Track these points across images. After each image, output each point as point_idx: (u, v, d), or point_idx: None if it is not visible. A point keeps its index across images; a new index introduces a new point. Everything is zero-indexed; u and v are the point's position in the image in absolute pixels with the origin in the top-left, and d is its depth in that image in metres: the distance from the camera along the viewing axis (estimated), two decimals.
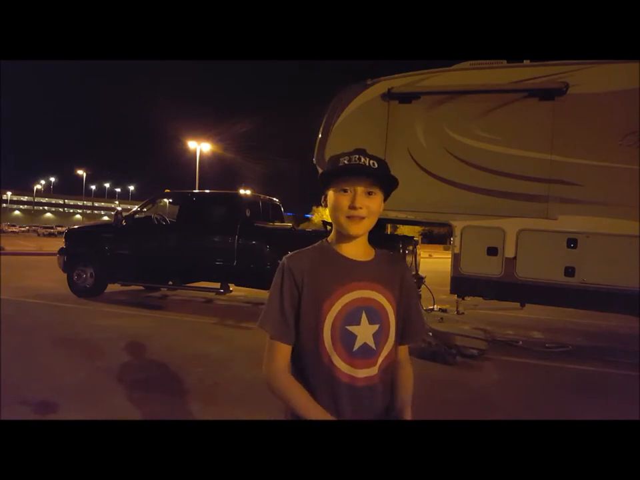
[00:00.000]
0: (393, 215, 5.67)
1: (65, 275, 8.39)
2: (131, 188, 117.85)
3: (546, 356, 5.50)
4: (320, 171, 6.18)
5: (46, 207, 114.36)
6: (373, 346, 1.19)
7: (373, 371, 1.19)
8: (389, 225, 9.98)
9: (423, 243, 11.76)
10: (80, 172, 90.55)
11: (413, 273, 6.99)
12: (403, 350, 1.31)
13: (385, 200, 1.24)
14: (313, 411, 1.15)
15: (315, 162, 6.27)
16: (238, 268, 7.33)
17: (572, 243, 5.20)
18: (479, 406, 3.83)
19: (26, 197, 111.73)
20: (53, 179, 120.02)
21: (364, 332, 1.18)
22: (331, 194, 1.20)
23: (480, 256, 5.53)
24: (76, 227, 9.98)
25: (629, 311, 5.16)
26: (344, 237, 1.21)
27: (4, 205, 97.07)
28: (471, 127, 5.60)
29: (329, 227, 7.86)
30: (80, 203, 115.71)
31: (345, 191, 1.17)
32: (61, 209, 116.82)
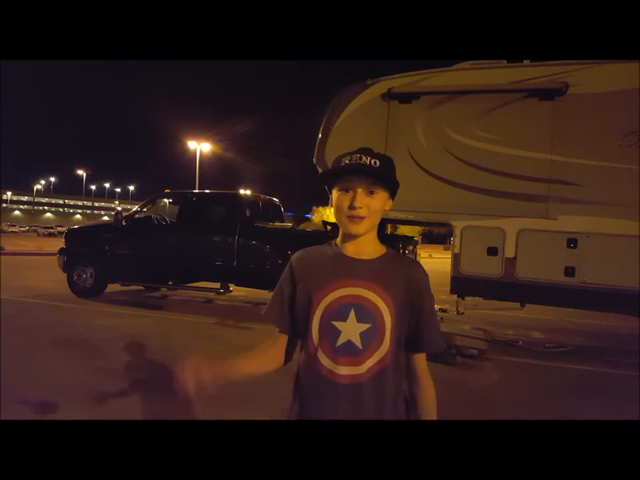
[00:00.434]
0: (392, 214, 5.67)
1: (65, 275, 8.38)
2: (131, 188, 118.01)
3: (546, 356, 5.50)
4: (320, 170, 6.18)
5: (46, 207, 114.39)
6: (359, 345, 1.16)
7: (358, 370, 1.16)
8: (388, 225, 9.98)
9: (423, 243, 11.77)
10: (80, 172, 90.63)
11: None
12: (419, 359, 1.24)
13: (392, 198, 1.24)
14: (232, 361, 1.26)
15: (314, 162, 6.27)
16: (238, 268, 7.33)
17: (572, 242, 5.20)
18: (479, 406, 3.83)
19: (26, 197, 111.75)
20: (53, 179, 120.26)
21: (349, 329, 1.17)
22: (334, 194, 1.22)
23: (480, 256, 5.53)
24: (76, 227, 9.99)
25: (629, 311, 5.16)
26: (347, 235, 1.22)
27: (4, 204, 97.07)
28: (471, 127, 5.60)
29: (328, 227, 7.86)
30: (80, 203, 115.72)
31: (347, 190, 1.18)
32: (61, 209, 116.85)
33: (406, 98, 5.86)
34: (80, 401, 3.53)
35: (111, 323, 6.30)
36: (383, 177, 1.19)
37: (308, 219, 54.10)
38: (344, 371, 1.17)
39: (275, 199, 9.16)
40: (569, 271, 5.19)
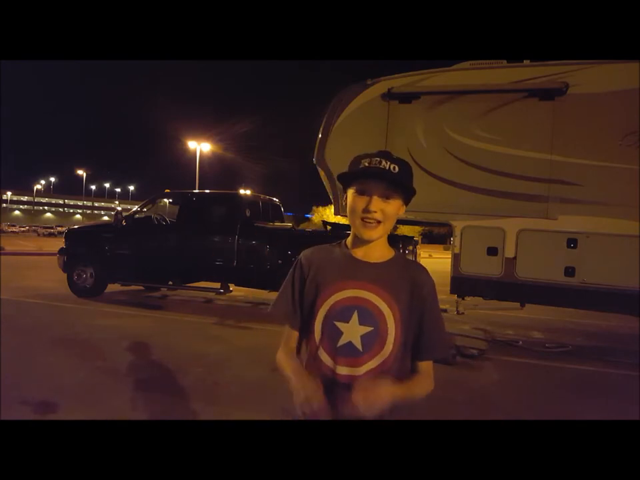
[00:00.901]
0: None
1: (65, 275, 8.38)
2: (131, 188, 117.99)
3: (546, 356, 5.50)
4: (320, 170, 6.17)
5: (46, 207, 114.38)
6: (359, 347, 1.17)
7: (357, 371, 1.17)
8: None
9: (423, 243, 11.76)
10: (80, 172, 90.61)
11: None
12: (424, 366, 1.24)
13: (406, 204, 1.23)
14: (296, 373, 1.18)
15: (314, 162, 6.27)
16: (238, 268, 7.33)
17: (572, 242, 5.20)
18: (479, 406, 3.83)
19: (26, 197, 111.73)
20: (53, 179, 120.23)
21: (351, 330, 1.18)
22: (349, 194, 1.21)
23: (480, 256, 5.53)
24: (76, 226, 9.98)
25: (629, 311, 5.16)
26: (359, 239, 1.22)
27: (4, 204, 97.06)
28: (471, 127, 5.60)
29: (328, 227, 7.86)
30: (80, 203, 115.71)
31: (362, 193, 1.17)
32: (61, 209, 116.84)
33: (406, 98, 5.86)
34: (80, 401, 3.53)
35: (111, 323, 6.30)
36: (401, 184, 1.18)
37: (308, 219, 54.11)
38: (343, 371, 1.18)
39: (274, 199, 9.16)
40: (569, 271, 5.19)
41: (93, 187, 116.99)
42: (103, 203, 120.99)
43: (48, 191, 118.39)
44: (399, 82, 5.92)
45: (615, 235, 5.05)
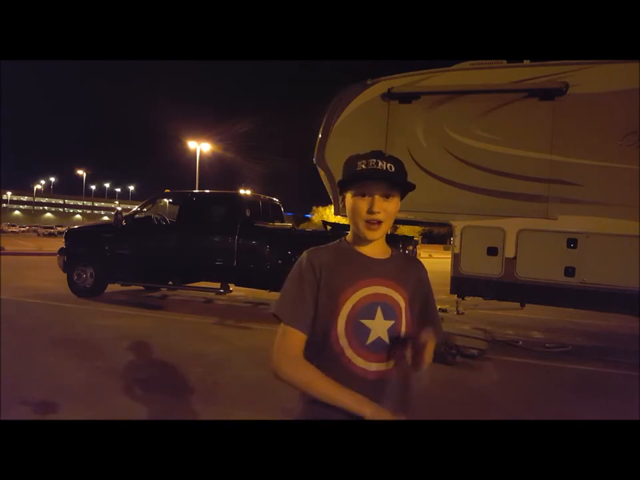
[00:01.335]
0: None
1: (65, 275, 8.38)
2: (131, 188, 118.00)
3: (546, 356, 5.50)
4: (320, 170, 6.17)
5: (46, 207, 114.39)
6: (387, 341, 1.21)
7: (387, 365, 1.22)
8: None
9: (423, 242, 11.78)
10: (80, 172, 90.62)
11: None
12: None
13: (401, 198, 1.26)
14: (343, 393, 1.13)
15: (315, 162, 6.27)
16: (238, 268, 7.33)
17: (572, 242, 5.20)
18: (479, 406, 3.83)
19: (26, 197, 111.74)
20: (53, 179, 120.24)
21: (378, 326, 1.21)
22: (349, 197, 1.23)
23: (480, 256, 5.53)
24: (76, 226, 9.98)
25: (629, 311, 5.16)
26: (362, 239, 1.24)
27: (4, 204, 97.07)
28: (471, 127, 5.60)
29: (328, 227, 7.86)
30: (80, 203, 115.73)
31: (363, 195, 1.19)
32: (61, 209, 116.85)
33: (406, 98, 5.86)
34: (80, 401, 3.53)
35: (111, 323, 6.30)
36: (400, 183, 1.21)
37: (308, 219, 54.11)
38: (374, 367, 1.20)
39: (274, 199, 9.16)
40: (569, 271, 5.19)
41: (93, 187, 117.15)
42: (103, 203, 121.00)
43: (48, 191, 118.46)
44: (399, 82, 5.92)
45: (615, 235, 5.05)
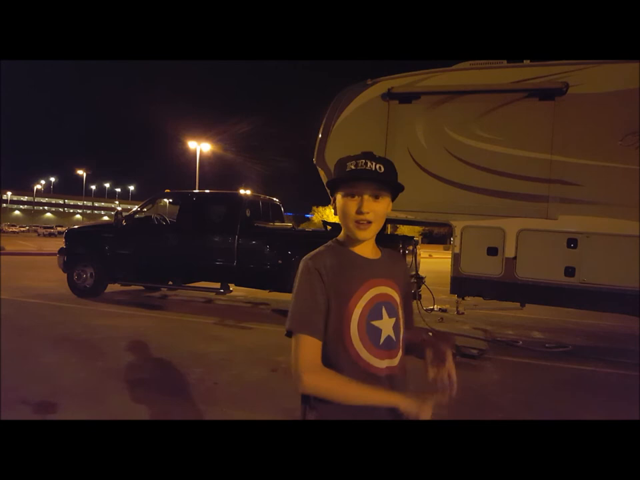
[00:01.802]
0: (392, 214, 5.67)
1: (65, 274, 8.39)
2: (131, 188, 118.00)
3: (546, 356, 5.50)
4: (320, 171, 6.18)
5: (46, 207, 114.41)
6: (394, 337, 1.25)
7: (394, 361, 1.25)
8: (389, 225, 9.98)
9: (423, 242, 11.78)
10: (80, 172, 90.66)
11: (413, 272, 7.00)
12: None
13: (392, 200, 1.27)
14: (373, 392, 1.15)
15: (315, 162, 6.27)
16: (238, 268, 7.33)
17: (572, 242, 5.20)
18: (479, 406, 3.83)
19: (26, 197, 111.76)
20: (52, 179, 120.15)
21: (387, 325, 1.24)
22: (339, 198, 1.23)
23: (480, 256, 5.53)
24: (76, 227, 9.98)
25: (629, 311, 5.16)
26: (353, 239, 1.25)
27: (4, 204, 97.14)
28: (471, 127, 5.61)
29: (329, 227, 7.86)
30: (80, 203, 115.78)
31: (353, 196, 1.20)
32: (61, 209, 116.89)
33: (406, 98, 5.87)
34: (80, 401, 3.53)
35: (111, 323, 6.30)
36: (389, 183, 1.22)
37: (308, 219, 54.13)
38: (386, 364, 1.23)
39: (274, 199, 9.16)
40: (569, 271, 5.19)
41: (93, 187, 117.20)
42: (103, 203, 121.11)
43: (48, 191, 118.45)
44: (399, 82, 5.92)
45: (614, 235, 5.05)
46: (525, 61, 5.47)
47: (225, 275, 7.51)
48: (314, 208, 52.79)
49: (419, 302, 6.63)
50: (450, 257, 5.82)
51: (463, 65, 5.76)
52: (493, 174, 5.51)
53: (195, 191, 9.13)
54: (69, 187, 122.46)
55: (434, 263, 19.04)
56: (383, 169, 1.20)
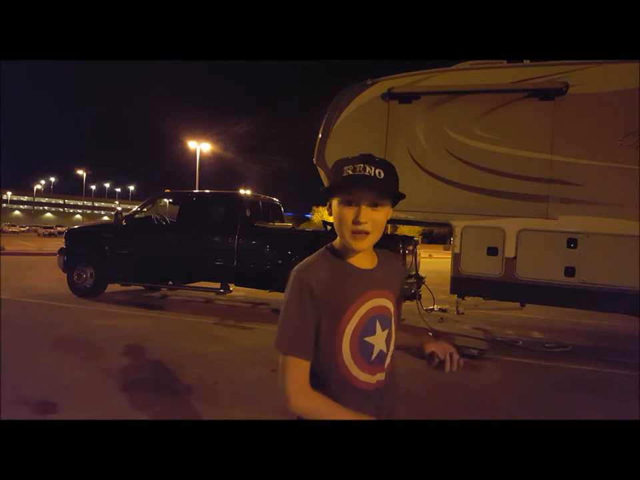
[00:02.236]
0: (393, 215, 5.63)
1: (65, 274, 8.39)
2: (131, 188, 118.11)
3: (546, 356, 5.50)
4: (320, 171, 6.18)
5: (46, 207, 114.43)
6: (385, 350, 1.21)
7: (386, 373, 1.22)
8: (389, 225, 9.98)
9: (423, 242, 11.78)
10: (80, 172, 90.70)
11: (413, 273, 7.00)
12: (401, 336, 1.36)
13: (393, 206, 1.18)
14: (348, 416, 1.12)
15: (315, 162, 6.27)
16: (238, 268, 7.33)
17: (572, 242, 5.20)
18: (479, 406, 3.83)
19: (26, 197, 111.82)
20: (52, 179, 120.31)
21: (379, 340, 1.19)
22: (335, 204, 1.14)
23: (480, 256, 5.54)
24: (76, 227, 9.98)
25: (629, 311, 5.16)
26: (349, 249, 1.16)
27: (4, 204, 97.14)
28: (471, 127, 5.61)
29: (329, 227, 7.86)
30: (80, 203, 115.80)
31: (349, 203, 1.11)
32: (61, 209, 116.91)
33: (406, 98, 5.87)
34: (80, 401, 3.53)
35: (111, 323, 6.30)
36: (389, 191, 1.13)
37: (308, 219, 54.14)
38: (376, 378, 1.20)
39: (274, 199, 9.16)
40: (569, 271, 5.20)
41: (93, 187, 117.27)
42: (103, 203, 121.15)
43: (48, 191, 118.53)
44: (399, 82, 5.92)
45: (614, 235, 5.05)
46: (525, 61, 5.47)
47: (224, 274, 7.51)
48: (314, 208, 52.79)
49: (419, 302, 6.63)
50: (450, 256, 5.82)
51: (462, 64, 5.76)
52: (493, 174, 5.51)
53: (195, 191, 9.13)
54: (69, 187, 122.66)
55: (434, 263, 19.04)
56: (382, 175, 1.10)
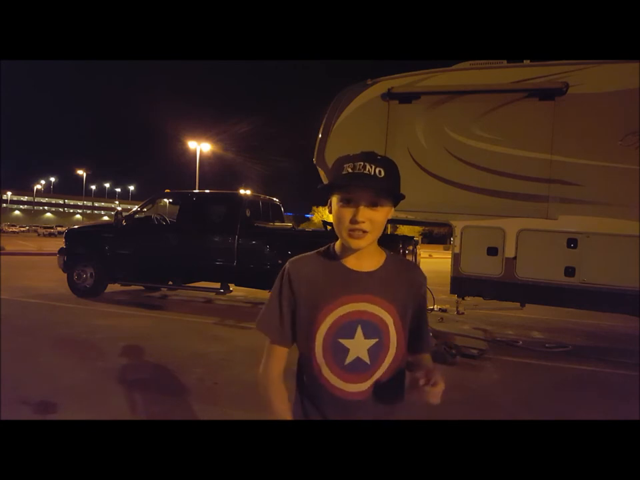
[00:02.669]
0: (393, 214, 5.66)
1: (65, 274, 8.39)
2: (131, 188, 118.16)
3: (546, 356, 5.50)
4: (320, 171, 6.18)
5: (46, 207, 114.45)
6: (367, 361, 1.14)
7: (365, 385, 1.16)
8: (389, 225, 9.98)
9: (423, 243, 11.77)
10: (80, 172, 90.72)
11: None
12: (428, 358, 1.27)
13: (394, 206, 1.15)
14: (276, 408, 1.18)
15: (315, 162, 6.27)
16: (238, 268, 7.34)
17: (572, 242, 5.20)
18: (479, 406, 3.83)
19: (26, 197, 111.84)
20: (53, 179, 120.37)
21: (358, 346, 1.14)
22: (334, 202, 1.13)
23: (480, 256, 5.54)
24: (76, 227, 9.98)
25: (629, 311, 5.16)
26: (348, 248, 1.15)
27: (4, 205, 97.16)
28: (471, 127, 5.61)
29: (329, 227, 7.86)
30: (80, 203, 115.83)
31: (348, 202, 1.09)
32: (61, 209, 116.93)
33: (406, 98, 5.87)
34: (80, 401, 3.53)
35: (111, 323, 6.30)
36: (388, 191, 1.10)
37: (308, 219, 54.13)
38: (352, 388, 1.15)
39: (274, 199, 9.16)
40: (569, 271, 5.20)
41: (93, 187, 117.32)
42: (103, 203, 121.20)
43: (48, 191, 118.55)
44: (399, 82, 5.92)
45: (614, 235, 5.05)
46: (525, 61, 5.47)
47: (224, 275, 7.51)
48: (314, 208, 52.78)
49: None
50: (450, 256, 5.82)
51: (462, 64, 5.76)
52: (493, 174, 5.51)
53: (195, 191, 9.13)
54: (69, 187, 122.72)
55: (434, 262, 19.04)
56: (383, 174, 1.07)
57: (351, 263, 1.17)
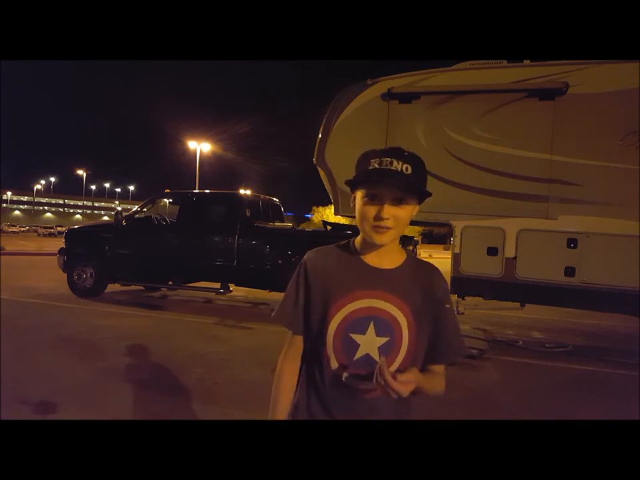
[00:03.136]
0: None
1: (65, 274, 8.39)
2: (131, 188, 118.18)
3: (546, 356, 5.50)
4: (320, 171, 6.17)
5: (46, 207, 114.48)
6: (377, 359, 1.12)
7: (372, 383, 1.12)
8: None
9: (423, 242, 11.76)
10: (80, 172, 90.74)
11: None
12: (438, 368, 1.23)
13: (420, 203, 1.14)
14: (275, 408, 1.22)
15: (315, 162, 6.27)
16: (238, 268, 7.34)
17: (572, 242, 5.20)
18: (479, 406, 3.83)
19: (26, 197, 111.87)
20: (53, 179, 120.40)
21: (368, 342, 1.13)
22: (358, 198, 1.13)
23: (480, 256, 5.53)
24: (76, 227, 9.98)
25: (629, 311, 5.16)
26: (370, 244, 1.14)
27: (4, 205, 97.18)
28: (471, 127, 5.61)
29: (329, 227, 7.86)
30: (80, 203, 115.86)
31: (373, 197, 1.09)
32: (61, 209, 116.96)
33: (406, 98, 5.87)
34: (80, 401, 3.53)
35: (111, 323, 6.30)
36: (415, 188, 1.09)
37: (308, 219, 54.11)
38: (361, 384, 1.14)
39: (274, 199, 9.17)
40: (569, 271, 5.19)
41: (93, 187, 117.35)
42: (103, 203, 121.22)
43: (48, 191, 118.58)
44: (399, 82, 5.92)
45: (615, 235, 5.05)
46: (525, 61, 5.47)
47: (224, 274, 7.52)
48: (314, 208, 52.75)
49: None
50: (450, 256, 5.82)
51: (462, 64, 5.76)
52: (493, 174, 5.51)
53: (194, 191, 9.14)
54: (69, 187, 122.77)
55: (434, 262, 18.96)
56: (410, 170, 1.06)
57: (370, 259, 1.17)
